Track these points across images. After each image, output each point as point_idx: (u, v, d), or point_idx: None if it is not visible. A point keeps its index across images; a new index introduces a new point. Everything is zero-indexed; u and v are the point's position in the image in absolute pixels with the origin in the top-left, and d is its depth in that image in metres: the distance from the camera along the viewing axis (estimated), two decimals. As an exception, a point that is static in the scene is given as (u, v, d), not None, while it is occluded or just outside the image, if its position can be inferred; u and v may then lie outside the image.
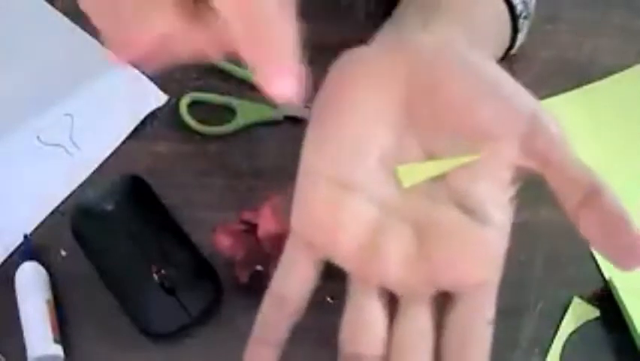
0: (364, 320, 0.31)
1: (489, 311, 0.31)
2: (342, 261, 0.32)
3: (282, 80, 0.25)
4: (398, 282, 0.31)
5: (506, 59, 0.50)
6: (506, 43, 0.47)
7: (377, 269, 0.31)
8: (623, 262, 0.30)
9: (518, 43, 0.48)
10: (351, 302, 0.32)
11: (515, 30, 0.46)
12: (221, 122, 0.53)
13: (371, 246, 0.31)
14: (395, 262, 0.31)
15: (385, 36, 0.36)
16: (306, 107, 0.45)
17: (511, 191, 0.32)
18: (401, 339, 0.31)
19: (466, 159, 0.31)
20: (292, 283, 0.33)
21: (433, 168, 0.31)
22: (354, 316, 0.32)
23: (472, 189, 0.31)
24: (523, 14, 0.46)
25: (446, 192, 0.32)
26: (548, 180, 0.31)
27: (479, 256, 0.31)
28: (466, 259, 0.31)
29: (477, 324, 0.31)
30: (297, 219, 0.33)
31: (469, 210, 0.31)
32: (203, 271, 0.47)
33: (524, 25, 0.48)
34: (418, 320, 0.31)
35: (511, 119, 0.31)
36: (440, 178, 0.32)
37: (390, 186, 0.32)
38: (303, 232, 0.33)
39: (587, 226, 0.30)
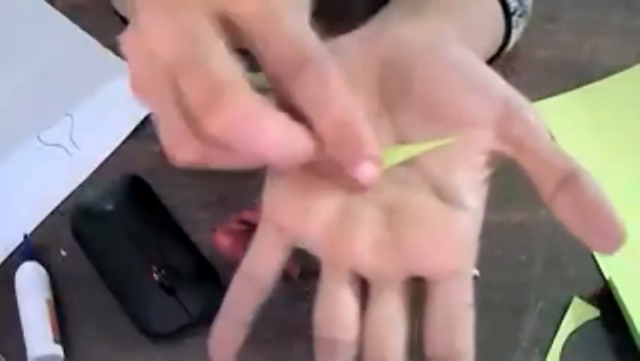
0: (337, 306, 0.31)
1: (467, 296, 0.31)
2: (312, 245, 0.32)
3: (365, 167, 0.28)
4: (369, 267, 0.31)
5: (506, 59, 0.50)
6: (500, 40, 0.47)
7: (347, 254, 0.31)
8: (603, 246, 0.30)
9: (513, 40, 0.48)
10: (324, 287, 0.32)
11: (509, 27, 0.46)
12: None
13: (341, 230, 0.31)
14: (365, 247, 0.31)
15: (365, 27, 0.36)
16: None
17: (485, 174, 0.32)
18: (373, 325, 0.31)
19: (439, 143, 0.31)
20: (260, 264, 0.33)
21: (405, 152, 0.31)
22: (327, 301, 0.32)
23: (446, 175, 0.31)
24: (518, 12, 0.46)
25: (420, 178, 0.32)
26: (522, 165, 0.31)
27: (452, 242, 0.31)
28: (438, 245, 0.31)
29: (458, 308, 0.31)
30: (268, 204, 0.33)
31: (443, 195, 0.31)
32: (203, 271, 0.47)
33: (519, 23, 0.48)
34: (390, 306, 0.31)
35: (486, 105, 0.32)
36: (413, 164, 0.31)
37: None
38: (274, 216, 0.33)
39: (564, 210, 0.30)
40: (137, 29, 0.28)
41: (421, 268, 0.31)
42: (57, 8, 0.59)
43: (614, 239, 0.30)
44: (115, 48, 0.56)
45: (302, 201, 0.32)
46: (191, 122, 0.27)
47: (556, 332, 0.46)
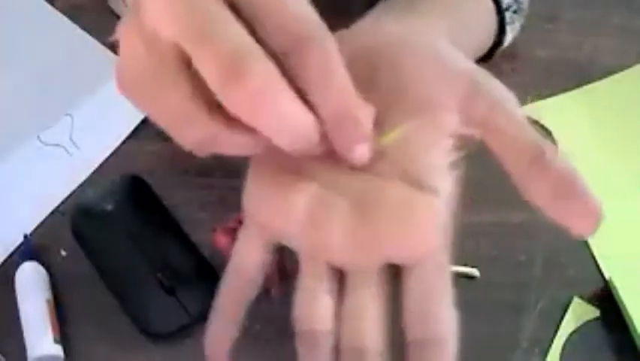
0: (314, 301, 0.32)
1: (442, 279, 0.31)
2: (289, 240, 0.33)
3: (360, 147, 0.30)
4: (343, 258, 0.32)
5: (506, 59, 0.50)
6: (492, 37, 0.47)
7: (322, 247, 0.32)
8: (581, 226, 0.29)
9: (510, 37, 0.48)
10: (302, 284, 0.33)
11: (502, 23, 0.46)
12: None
13: (315, 225, 0.32)
14: (338, 238, 0.31)
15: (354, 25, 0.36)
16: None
17: (453, 157, 0.32)
18: (350, 314, 0.31)
19: (405, 127, 0.31)
20: (246, 261, 0.34)
21: (374, 141, 0.31)
22: (305, 296, 0.32)
23: (412, 160, 0.32)
24: (512, 8, 0.46)
25: (388, 166, 0.32)
26: (491, 148, 0.31)
27: (420, 225, 0.31)
28: (406, 228, 0.31)
29: (433, 291, 0.31)
30: (248, 203, 0.34)
31: (410, 180, 0.31)
32: (203, 271, 0.47)
33: (515, 19, 0.48)
34: (366, 294, 0.31)
35: (449, 88, 0.32)
36: (381, 153, 0.32)
37: (334, 166, 0.32)
38: (254, 215, 0.34)
39: (536, 192, 0.30)
40: (138, 15, 0.28)
41: (392, 254, 0.31)
42: (57, 8, 0.59)
43: (591, 217, 0.29)
44: (115, 48, 0.56)
45: (278, 199, 0.33)
46: (205, 98, 0.27)
47: (556, 332, 0.46)
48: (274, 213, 0.33)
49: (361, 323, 0.31)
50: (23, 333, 0.45)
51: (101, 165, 0.52)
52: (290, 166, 0.32)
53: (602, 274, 0.48)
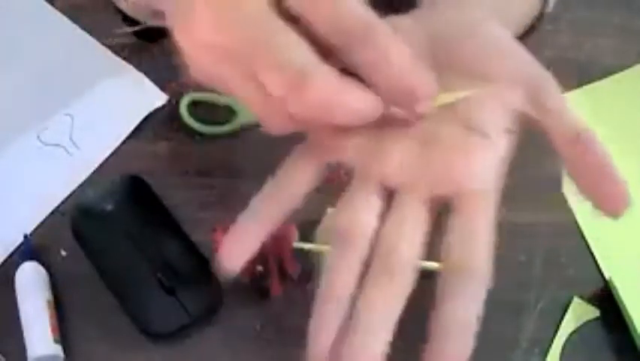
0: (360, 209, 0.33)
1: (487, 216, 0.33)
2: (347, 158, 0.34)
3: (419, 107, 0.32)
4: (397, 178, 0.33)
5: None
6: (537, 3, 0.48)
7: (377, 163, 0.33)
8: (611, 206, 0.32)
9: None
10: (351, 193, 0.33)
11: None
12: (221, 122, 0.53)
13: (374, 143, 0.33)
14: (395, 158, 0.33)
15: (415, 10, 0.38)
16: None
17: (509, 124, 0.34)
18: (386, 233, 0.32)
19: (474, 90, 0.34)
20: (293, 177, 0.34)
21: (444, 97, 0.34)
22: (352, 204, 0.33)
23: (475, 115, 0.34)
24: None
25: (452, 116, 0.34)
26: (543, 130, 0.33)
27: (476, 162, 0.33)
28: (463, 162, 0.33)
29: (476, 224, 0.32)
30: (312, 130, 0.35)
31: (470, 127, 0.33)
32: (203, 271, 0.47)
33: None
34: (410, 212, 0.32)
35: (519, 73, 0.34)
36: (448, 107, 0.34)
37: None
38: (316, 135, 0.34)
39: (575, 173, 0.32)
40: (188, 19, 0.29)
41: (445, 183, 0.33)
42: (57, 8, 0.59)
43: (622, 199, 0.31)
44: (115, 48, 0.56)
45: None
46: (273, 100, 0.29)
47: (556, 332, 0.46)
48: (338, 132, 0.33)
49: (399, 235, 0.32)
50: (23, 333, 0.45)
51: (101, 165, 0.52)
52: None
53: (602, 274, 0.48)
